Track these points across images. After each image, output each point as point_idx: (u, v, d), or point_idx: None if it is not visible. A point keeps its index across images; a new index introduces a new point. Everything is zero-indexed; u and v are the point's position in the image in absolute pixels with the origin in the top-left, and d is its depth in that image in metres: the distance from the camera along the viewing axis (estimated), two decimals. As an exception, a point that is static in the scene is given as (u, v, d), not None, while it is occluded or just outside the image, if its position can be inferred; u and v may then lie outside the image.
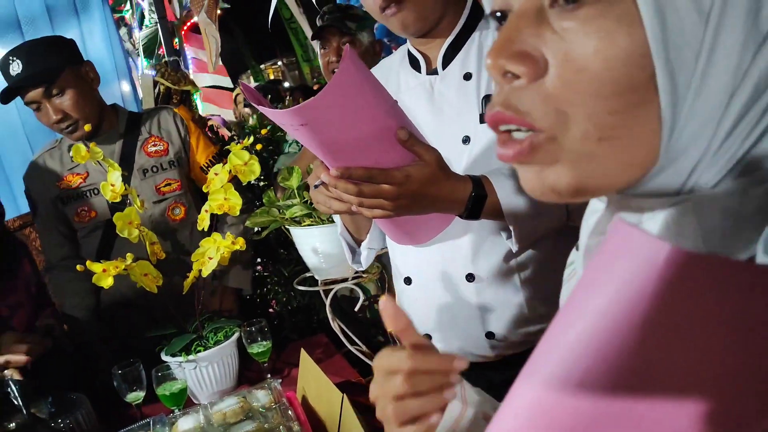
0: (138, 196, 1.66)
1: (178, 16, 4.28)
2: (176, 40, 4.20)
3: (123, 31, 4.64)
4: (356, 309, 1.68)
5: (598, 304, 0.25)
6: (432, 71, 1.10)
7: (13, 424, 1.31)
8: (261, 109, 0.80)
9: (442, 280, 1.11)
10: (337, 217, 1.21)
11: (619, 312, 0.24)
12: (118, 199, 1.50)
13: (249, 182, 1.85)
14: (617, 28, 0.34)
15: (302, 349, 1.40)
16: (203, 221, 1.55)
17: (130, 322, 1.78)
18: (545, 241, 1.04)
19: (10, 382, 1.32)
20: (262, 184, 2.49)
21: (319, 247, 1.52)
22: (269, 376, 1.56)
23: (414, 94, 1.10)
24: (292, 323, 2.31)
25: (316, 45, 2.15)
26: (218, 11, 2.80)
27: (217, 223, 1.89)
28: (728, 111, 0.34)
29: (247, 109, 2.86)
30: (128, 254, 1.46)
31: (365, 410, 1.10)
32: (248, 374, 1.65)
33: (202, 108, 4.12)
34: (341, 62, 0.72)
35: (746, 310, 0.23)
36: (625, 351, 0.24)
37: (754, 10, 0.32)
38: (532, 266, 1.07)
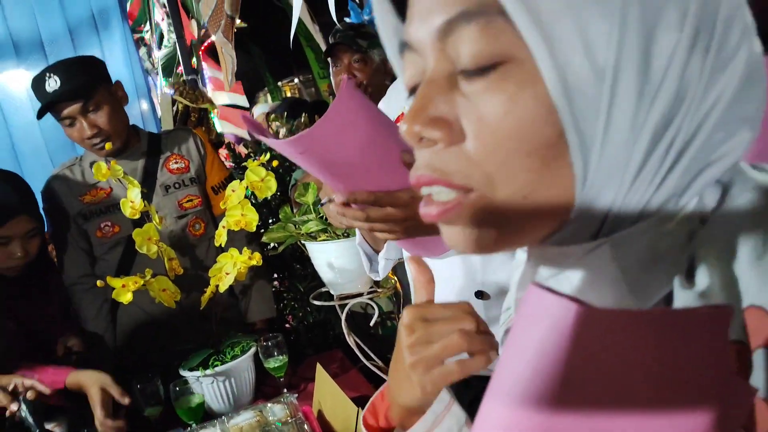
0: (158, 212, 1.68)
1: (197, 36, 4.35)
2: (194, 59, 4.26)
3: (143, 51, 4.72)
4: (371, 324, 1.68)
5: (524, 370, 0.27)
6: None
7: None
8: (261, 138, 0.80)
9: (454, 297, 1.12)
10: None
11: (543, 372, 0.27)
12: (137, 216, 1.52)
13: (265, 198, 1.87)
14: (522, 89, 0.34)
15: (318, 363, 1.41)
16: (220, 237, 1.57)
17: (149, 337, 1.80)
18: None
19: (22, 401, 1.30)
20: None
21: (334, 261, 1.53)
22: (285, 390, 1.56)
23: None
24: (308, 338, 2.32)
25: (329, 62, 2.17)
26: (234, 30, 2.84)
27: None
28: (632, 159, 0.35)
29: (276, 123, 2.87)
30: (147, 270, 1.48)
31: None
32: (265, 389, 1.66)
33: (219, 126, 4.17)
34: (337, 95, 0.73)
35: (658, 351, 0.26)
36: (559, 398, 0.27)
37: (645, 63, 0.33)
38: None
